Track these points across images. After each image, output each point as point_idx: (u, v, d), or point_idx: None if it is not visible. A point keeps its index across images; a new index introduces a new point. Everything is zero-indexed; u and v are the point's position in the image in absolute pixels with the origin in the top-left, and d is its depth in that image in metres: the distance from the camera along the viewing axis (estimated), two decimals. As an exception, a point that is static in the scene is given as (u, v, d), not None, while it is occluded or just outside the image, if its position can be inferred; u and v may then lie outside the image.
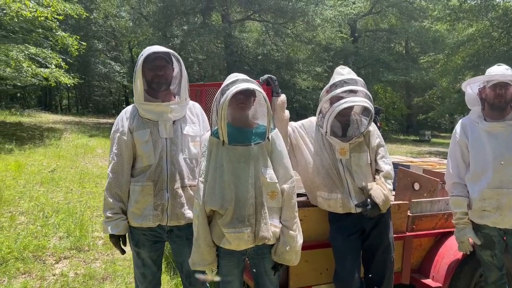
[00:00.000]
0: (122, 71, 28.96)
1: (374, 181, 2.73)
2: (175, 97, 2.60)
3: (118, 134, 2.48)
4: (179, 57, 2.56)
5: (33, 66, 11.59)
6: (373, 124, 2.77)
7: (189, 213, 2.46)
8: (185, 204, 2.48)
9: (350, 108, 2.70)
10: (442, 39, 26.79)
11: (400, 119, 36.63)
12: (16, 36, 13.14)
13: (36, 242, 4.44)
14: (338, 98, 2.62)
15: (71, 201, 6.13)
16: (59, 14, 11.57)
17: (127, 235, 2.53)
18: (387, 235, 2.73)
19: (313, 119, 2.90)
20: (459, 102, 17.71)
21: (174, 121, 2.50)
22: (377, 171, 2.76)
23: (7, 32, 12.92)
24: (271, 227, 2.24)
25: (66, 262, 4.11)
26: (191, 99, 2.68)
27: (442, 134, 35.21)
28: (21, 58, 11.05)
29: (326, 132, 2.69)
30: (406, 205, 3.07)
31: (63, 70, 13.07)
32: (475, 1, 18.64)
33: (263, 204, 2.24)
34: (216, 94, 2.32)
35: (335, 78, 2.78)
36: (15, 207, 5.68)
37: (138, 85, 2.42)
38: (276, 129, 2.45)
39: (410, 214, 3.09)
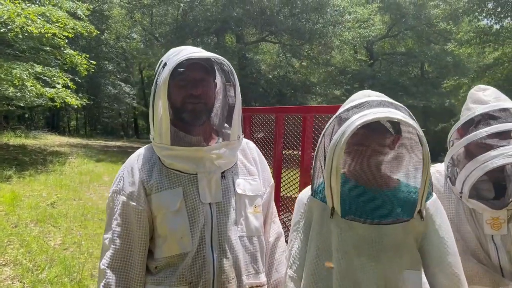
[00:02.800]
0: (132, 92, 28.53)
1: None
2: (217, 133, 1.58)
3: (123, 198, 1.46)
4: (229, 65, 1.52)
5: (38, 86, 10.74)
6: None
7: None
8: None
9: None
10: (463, 63, 25.87)
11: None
12: (23, 55, 12.41)
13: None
14: (483, 144, 1.63)
15: (69, 247, 5.08)
16: (67, 28, 10.75)
17: None
18: None
19: (440, 169, 1.86)
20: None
21: (222, 173, 1.49)
22: None
23: (13, 51, 12.19)
24: None
25: None
26: None
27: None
28: (25, 77, 10.19)
29: (461, 193, 1.66)
30: None
31: (70, 91, 12.23)
32: (506, 23, 17.71)
33: None
34: (328, 125, 1.31)
35: (471, 107, 1.77)
36: (1, 254, 4.64)
37: (161, 115, 1.41)
38: (435, 195, 1.39)
39: None
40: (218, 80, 1.59)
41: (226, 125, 1.59)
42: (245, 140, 1.68)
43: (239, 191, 1.52)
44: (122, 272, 1.44)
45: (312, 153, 2.29)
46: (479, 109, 1.72)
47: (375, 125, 1.24)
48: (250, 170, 1.61)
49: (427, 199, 1.30)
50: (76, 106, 12.40)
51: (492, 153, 1.59)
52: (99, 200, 8.01)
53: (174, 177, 1.47)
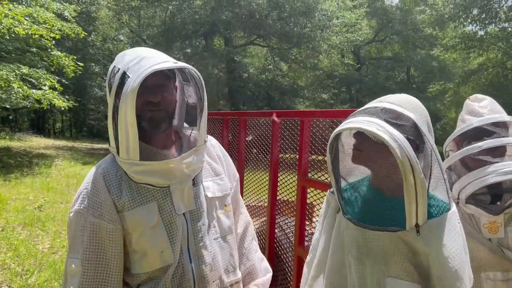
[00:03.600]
0: (119, 95, 28.17)
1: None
2: (178, 134, 1.52)
3: (92, 218, 1.37)
4: (194, 70, 1.43)
5: (24, 87, 10.58)
6: None
7: None
8: None
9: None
10: (449, 68, 26.27)
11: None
12: (9, 56, 12.22)
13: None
14: (477, 159, 1.66)
15: (58, 251, 5.02)
16: (54, 29, 10.63)
17: None
18: None
19: None
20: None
21: (193, 181, 1.45)
22: None
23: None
24: None
25: None
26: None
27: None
28: (11, 78, 10.03)
29: (458, 199, 1.69)
30: None
31: (57, 92, 12.08)
32: (490, 29, 18.04)
33: None
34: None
35: (466, 118, 1.80)
36: (-12, 258, 4.57)
37: (127, 129, 1.31)
38: (449, 213, 1.25)
39: None
40: (180, 82, 1.51)
41: (186, 124, 1.53)
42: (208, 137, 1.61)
43: (209, 194, 1.50)
44: None
45: (309, 157, 2.31)
46: (473, 122, 1.74)
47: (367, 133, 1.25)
48: (216, 170, 1.58)
49: (431, 216, 1.23)
50: (63, 108, 12.24)
51: (486, 169, 1.62)
52: (87, 203, 7.91)
53: (146, 192, 1.40)
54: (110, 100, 1.36)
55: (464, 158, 1.71)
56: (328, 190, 1.47)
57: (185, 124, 1.54)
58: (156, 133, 1.41)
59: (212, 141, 1.65)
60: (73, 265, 1.37)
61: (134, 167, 1.36)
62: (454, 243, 1.23)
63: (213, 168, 1.57)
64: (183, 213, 1.42)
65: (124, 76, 1.32)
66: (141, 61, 1.33)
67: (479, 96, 1.86)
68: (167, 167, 1.38)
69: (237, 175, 1.73)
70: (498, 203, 1.70)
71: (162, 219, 1.38)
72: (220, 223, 1.52)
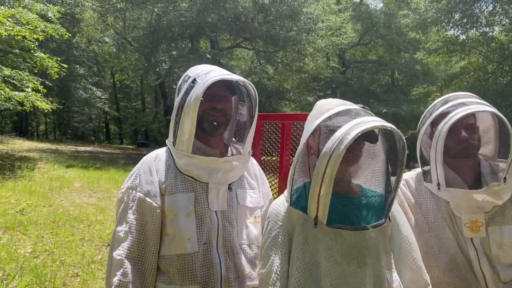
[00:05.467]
0: (103, 97, 28.04)
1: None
2: (226, 145, 1.76)
3: (140, 194, 1.58)
4: (253, 88, 1.70)
5: (7, 89, 10.43)
6: None
7: None
8: None
9: (471, 123, 1.77)
10: (432, 71, 26.64)
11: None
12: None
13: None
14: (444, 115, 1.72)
15: (40, 255, 4.96)
16: (37, 31, 10.49)
17: None
18: None
19: (415, 177, 1.93)
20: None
21: (229, 185, 1.63)
22: None
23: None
24: None
25: None
26: None
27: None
28: (-7, 80, 9.90)
29: (438, 184, 1.72)
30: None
31: (40, 94, 11.93)
32: (472, 33, 18.38)
33: None
34: (308, 135, 1.35)
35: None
36: (-32, 263, 4.49)
37: (187, 126, 1.55)
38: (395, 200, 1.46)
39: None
40: (237, 99, 1.78)
41: (234, 139, 1.78)
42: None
43: (241, 202, 1.67)
44: (138, 262, 1.54)
45: (291, 160, 2.33)
46: (437, 108, 1.82)
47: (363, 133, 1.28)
48: (251, 184, 1.76)
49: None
50: (46, 110, 12.10)
51: (445, 118, 1.71)
52: (70, 207, 7.83)
53: (188, 183, 1.61)
54: (177, 100, 1.62)
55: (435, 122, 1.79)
56: (284, 208, 1.41)
57: (234, 135, 1.80)
58: (212, 134, 1.66)
59: (252, 160, 1.88)
60: (120, 234, 1.57)
61: (185, 158, 1.60)
62: (406, 222, 1.48)
63: (249, 182, 1.77)
64: (216, 212, 1.59)
65: (194, 82, 1.59)
66: (210, 72, 1.61)
67: (468, 93, 1.91)
68: (211, 165, 1.61)
69: (271, 196, 1.88)
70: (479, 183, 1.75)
71: (195, 210, 1.57)
72: (248, 231, 1.67)
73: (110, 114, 32.65)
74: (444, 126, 1.67)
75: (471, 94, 1.86)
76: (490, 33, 18.57)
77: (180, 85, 1.67)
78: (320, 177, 1.23)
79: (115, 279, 1.49)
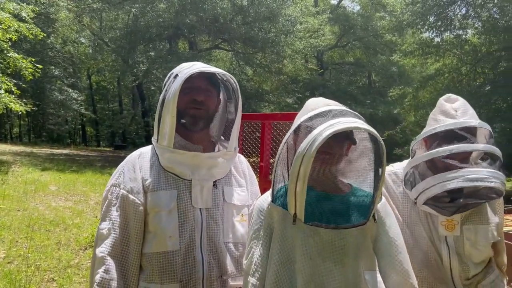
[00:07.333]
0: (79, 98, 27.55)
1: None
2: (213, 142, 1.72)
3: (124, 191, 1.57)
4: (234, 80, 1.67)
5: (-22, 91, 10.16)
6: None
7: None
8: None
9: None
10: (408, 73, 27.13)
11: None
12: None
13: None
14: (444, 162, 1.66)
15: (14, 260, 4.83)
16: (10, 31, 10.24)
17: None
18: None
19: (398, 170, 1.92)
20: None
21: (214, 182, 1.61)
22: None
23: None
24: None
25: None
26: None
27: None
28: (-36, 81, 9.62)
29: (415, 199, 1.72)
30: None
31: (14, 96, 11.64)
32: (446, 36, 18.80)
33: None
34: (289, 134, 1.36)
35: (439, 119, 1.76)
36: None
37: (168, 120, 1.54)
38: (383, 198, 1.48)
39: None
40: (222, 96, 1.73)
41: (222, 137, 1.74)
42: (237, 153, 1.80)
43: (228, 200, 1.64)
44: (121, 260, 1.54)
45: (271, 160, 2.34)
46: (445, 124, 1.71)
47: (338, 134, 1.27)
48: (239, 182, 1.74)
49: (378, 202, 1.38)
50: (20, 113, 11.81)
51: (452, 174, 1.62)
52: (46, 210, 7.66)
53: (170, 180, 1.59)
54: (160, 97, 1.61)
55: (433, 159, 1.70)
56: (267, 204, 1.44)
57: (219, 131, 1.75)
58: (192, 129, 1.62)
59: (241, 158, 1.86)
60: (103, 231, 1.56)
61: (166, 153, 1.58)
62: (395, 223, 1.46)
63: (237, 179, 1.74)
64: (200, 209, 1.57)
65: (175, 77, 1.59)
66: (192, 67, 1.60)
67: (453, 96, 1.83)
68: (193, 161, 1.58)
69: (259, 195, 1.82)
70: (452, 204, 1.70)
71: (178, 207, 1.55)
72: (235, 230, 1.64)
73: (86, 116, 32.08)
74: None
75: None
76: (464, 36, 19.02)
77: (165, 82, 1.67)
78: (295, 176, 1.25)
79: (97, 277, 1.48)
